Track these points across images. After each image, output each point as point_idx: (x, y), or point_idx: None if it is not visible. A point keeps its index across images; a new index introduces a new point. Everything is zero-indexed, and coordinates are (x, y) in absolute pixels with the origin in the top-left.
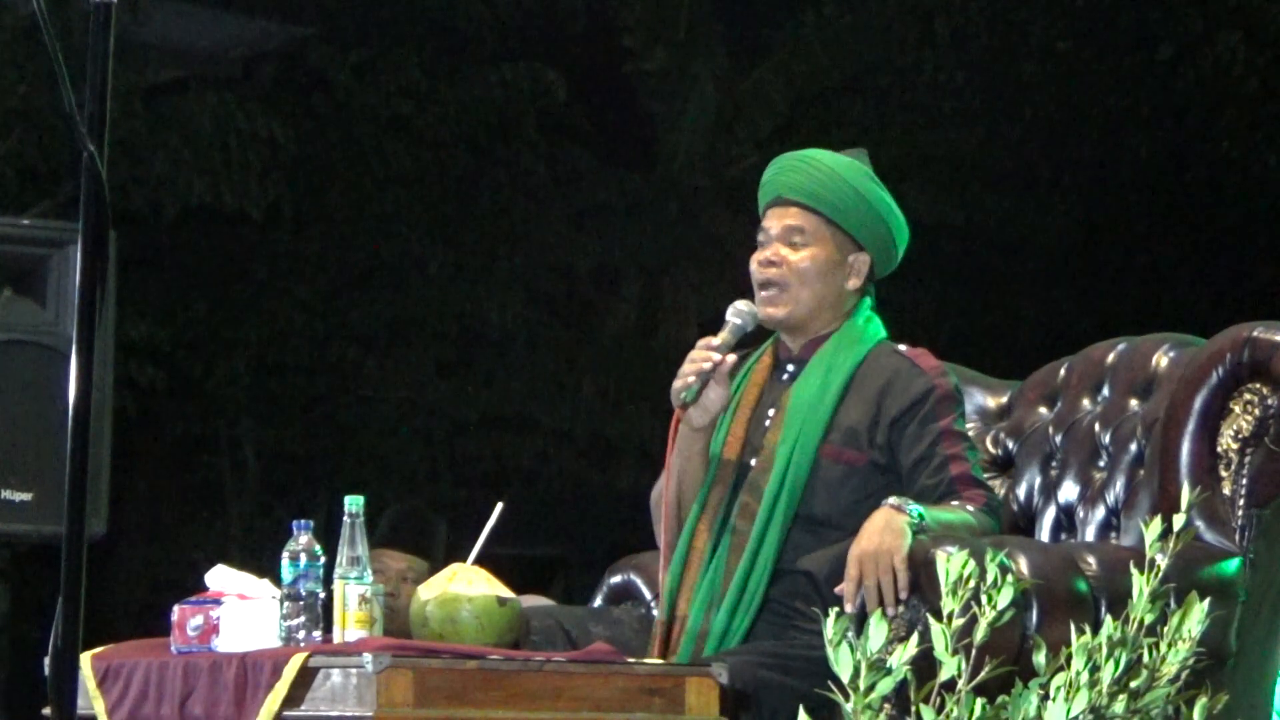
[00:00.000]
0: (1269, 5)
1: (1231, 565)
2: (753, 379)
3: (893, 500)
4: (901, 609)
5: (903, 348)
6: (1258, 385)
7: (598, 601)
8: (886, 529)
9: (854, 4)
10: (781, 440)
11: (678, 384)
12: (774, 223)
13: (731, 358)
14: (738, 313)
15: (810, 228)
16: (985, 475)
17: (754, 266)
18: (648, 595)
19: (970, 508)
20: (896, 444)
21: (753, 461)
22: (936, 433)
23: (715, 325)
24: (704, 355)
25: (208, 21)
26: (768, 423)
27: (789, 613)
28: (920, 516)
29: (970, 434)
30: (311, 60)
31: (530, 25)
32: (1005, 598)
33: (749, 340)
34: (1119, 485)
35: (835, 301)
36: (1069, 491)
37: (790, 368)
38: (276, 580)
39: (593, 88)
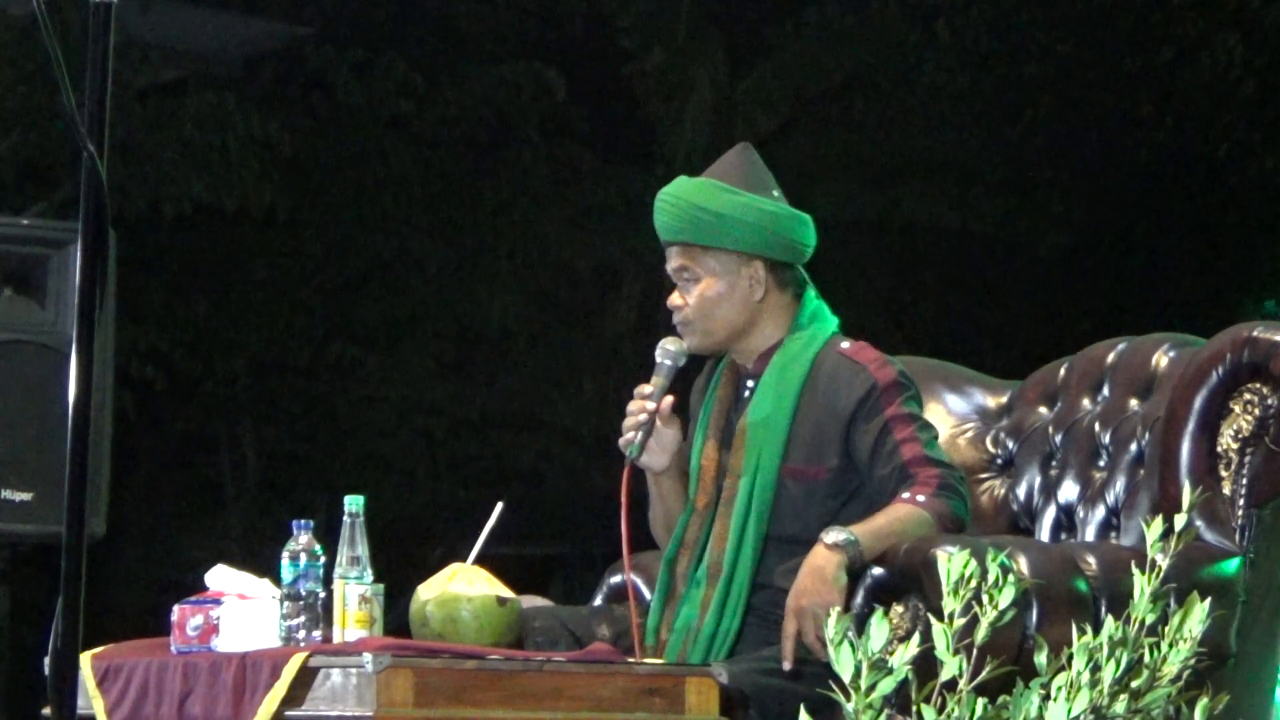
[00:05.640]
0: (1268, 8)
1: (1231, 565)
2: (718, 399)
3: (828, 538)
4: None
5: (845, 344)
6: (1258, 385)
7: (598, 601)
8: (820, 579)
9: (855, 4)
10: (744, 466)
11: (622, 440)
12: (668, 266)
13: (668, 400)
14: (666, 353)
15: (691, 262)
16: (944, 454)
17: None
18: (648, 595)
19: (921, 497)
20: (853, 446)
21: (724, 484)
22: (883, 422)
23: None
24: (639, 406)
25: (208, 21)
26: (734, 445)
27: (775, 620)
28: (855, 546)
29: (928, 418)
30: (311, 60)
31: (530, 25)
32: (1006, 598)
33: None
34: (1119, 485)
35: (755, 316)
36: (1069, 491)
37: (750, 384)
38: (276, 580)
39: (593, 88)
